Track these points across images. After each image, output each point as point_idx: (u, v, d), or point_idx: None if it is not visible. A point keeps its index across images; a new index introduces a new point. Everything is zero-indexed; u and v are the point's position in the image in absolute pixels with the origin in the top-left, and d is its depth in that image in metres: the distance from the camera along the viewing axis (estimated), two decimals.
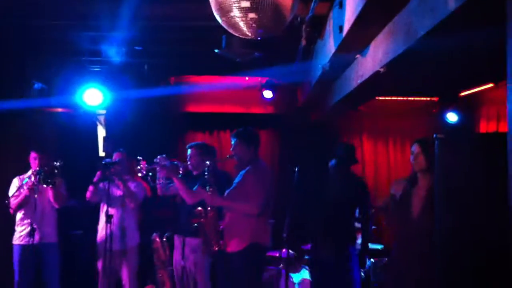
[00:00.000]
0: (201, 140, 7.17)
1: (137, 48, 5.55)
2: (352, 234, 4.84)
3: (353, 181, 4.88)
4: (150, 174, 5.03)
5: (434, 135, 3.25)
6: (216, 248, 4.42)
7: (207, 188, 4.42)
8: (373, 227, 6.15)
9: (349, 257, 4.66)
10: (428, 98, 7.19)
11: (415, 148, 3.95)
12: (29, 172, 5.24)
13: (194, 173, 5.13)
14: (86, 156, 6.61)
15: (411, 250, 3.82)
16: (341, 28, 3.53)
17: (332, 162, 4.86)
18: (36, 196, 5.07)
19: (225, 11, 3.08)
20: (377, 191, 7.43)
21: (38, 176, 5.03)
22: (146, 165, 4.94)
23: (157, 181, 5.07)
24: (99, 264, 5.34)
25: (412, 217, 3.85)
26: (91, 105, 5.99)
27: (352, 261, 4.67)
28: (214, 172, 4.50)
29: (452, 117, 7.03)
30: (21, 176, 5.31)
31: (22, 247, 5.16)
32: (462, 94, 6.75)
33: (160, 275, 4.62)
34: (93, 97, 5.89)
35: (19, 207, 5.19)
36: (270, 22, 3.09)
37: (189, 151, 5.16)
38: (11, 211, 5.18)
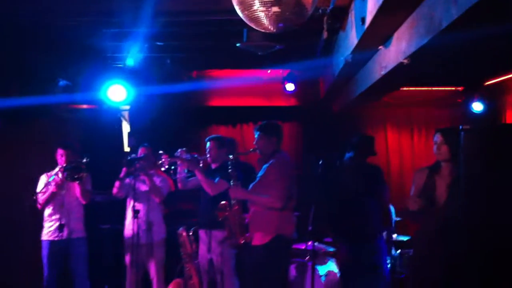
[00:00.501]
0: (224, 133, 7.21)
1: (159, 43, 5.58)
2: (376, 226, 4.67)
3: (368, 171, 4.74)
4: (173, 167, 5.08)
5: (460, 126, 3.23)
6: (242, 241, 4.46)
7: (231, 182, 4.46)
8: (397, 219, 6.12)
9: (375, 249, 4.55)
10: (453, 88, 7.10)
11: (437, 138, 3.95)
12: (56, 169, 5.33)
13: (213, 166, 5.18)
14: (112, 152, 6.69)
15: (438, 238, 3.81)
16: (363, 20, 3.51)
17: (349, 154, 4.76)
18: (63, 192, 5.17)
19: (247, 5, 3.08)
20: (402, 180, 7.39)
21: (65, 173, 5.11)
22: (168, 159, 5.00)
23: (178, 175, 5.12)
24: (127, 258, 5.43)
25: (438, 206, 3.84)
26: (115, 101, 6.04)
27: (379, 253, 4.58)
28: (237, 166, 4.53)
29: (477, 106, 6.94)
30: (48, 173, 5.41)
31: (51, 242, 5.26)
32: (488, 83, 6.65)
33: (187, 268, 4.67)
34: (117, 93, 5.94)
35: (46, 203, 5.29)
36: (292, 15, 3.09)
37: (208, 144, 5.21)
38: (39, 206, 5.28)
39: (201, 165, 5.06)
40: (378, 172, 4.69)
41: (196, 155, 5.11)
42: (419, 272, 4.04)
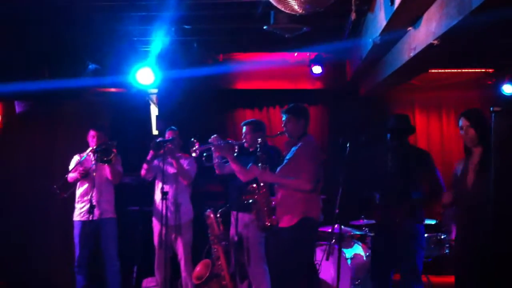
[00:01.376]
0: (251, 116, 7.23)
1: (186, 26, 5.60)
2: (417, 210, 4.54)
3: (415, 152, 4.67)
4: (205, 154, 5.10)
5: (491, 108, 3.18)
6: (268, 224, 4.48)
7: (259, 165, 4.48)
8: None
9: (414, 232, 4.48)
10: (483, 70, 6.97)
11: (463, 122, 3.86)
12: (88, 150, 5.44)
13: (251, 149, 5.18)
14: (140, 135, 6.78)
15: (469, 222, 3.78)
16: (392, 1, 3.47)
17: (387, 136, 4.67)
18: (94, 173, 5.27)
19: None
20: None
21: (95, 154, 5.21)
22: (200, 146, 5.02)
23: (213, 161, 5.14)
24: (155, 239, 5.52)
25: (467, 190, 3.80)
26: (143, 85, 6.10)
27: (416, 241, 4.48)
28: (265, 149, 4.55)
29: (508, 88, 6.81)
30: (81, 154, 5.53)
31: (83, 223, 5.37)
32: None
33: (215, 249, 4.73)
34: (145, 76, 5.99)
35: (76, 182, 5.43)
36: None
37: (244, 129, 5.20)
38: (69, 180, 5.41)
39: (236, 150, 5.06)
40: (423, 155, 4.62)
41: (230, 141, 5.11)
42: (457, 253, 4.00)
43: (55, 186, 5.31)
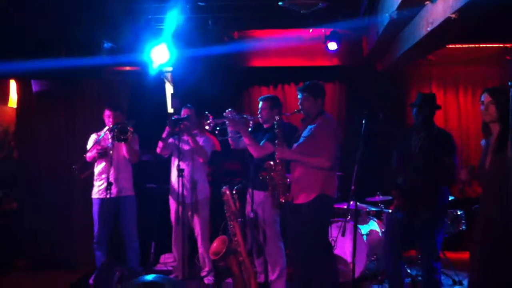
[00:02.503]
0: (266, 94, 7.21)
1: (200, 3, 5.57)
2: (436, 195, 4.46)
3: (440, 134, 4.58)
4: (218, 128, 5.11)
5: (510, 83, 3.13)
6: (283, 201, 4.50)
7: (276, 142, 4.48)
8: None
9: (433, 220, 4.42)
10: (501, 45, 6.84)
11: (485, 97, 3.79)
12: (105, 129, 5.49)
13: (265, 126, 5.17)
14: (156, 113, 6.80)
15: (486, 201, 3.76)
16: None
17: (414, 111, 4.57)
18: (111, 152, 5.32)
19: None
20: None
21: (112, 133, 5.25)
22: (214, 120, 5.02)
23: (229, 135, 5.15)
24: (172, 216, 5.58)
25: (485, 168, 3.77)
26: (159, 63, 6.11)
27: (437, 224, 4.43)
28: (282, 126, 4.54)
29: None
30: (98, 133, 5.57)
31: (101, 200, 5.44)
32: None
33: (231, 226, 4.76)
34: (160, 54, 6.00)
35: (94, 160, 5.48)
36: None
37: (260, 104, 5.17)
38: (88, 159, 5.47)
39: (250, 125, 5.06)
40: (448, 138, 4.55)
41: (246, 115, 5.10)
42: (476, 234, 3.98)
43: (74, 167, 5.39)
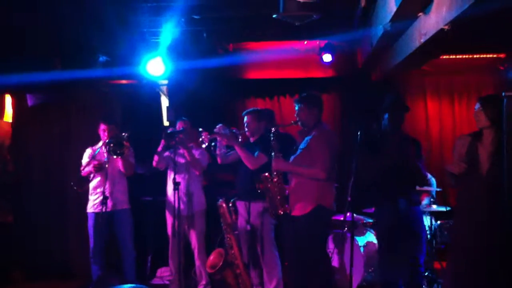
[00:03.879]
0: (262, 106, 7.23)
1: (195, 17, 5.60)
2: (414, 193, 4.55)
3: (409, 139, 4.60)
4: (213, 144, 5.12)
5: (503, 93, 3.16)
6: (281, 212, 4.50)
7: (272, 154, 4.48)
8: (438, 189, 6.05)
9: (413, 218, 4.44)
10: (495, 55, 6.89)
11: (477, 105, 3.90)
12: (100, 143, 5.48)
13: (251, 139, 5.19)
14: (151, 125, 6.80)
15: (480, 206, 3.77)
16: None
17: (385, 116, 4.56)
18: (107, 166, 5.31)
19: None
20: (442, 150, 7.28)
21: (107, 147, 5.24)
22: (208, 136, 5.03)
23: (217, 150, 5.16)
24: (169, 229, 5.56)
25: (481, 173, 3.79)
26: (154, 76, 6.11)
27: (416, 222, 4.47)
28: (278, 137, 4.55)
29: None
30: (93, 147, 5.56)
31: (96, 214, 5.42)
32: None
33: (228, 238, 4.76)
34: (155, 67, 6.00)
35: (90, 175, 5.46)
36: None
37: (245, 118, 5.20)
38: (83, 174, 5.46)
39: (240, 139, 5.08)
40: (416, 142, 4.58)
41: (234, 130, 5.13)
42: (461, 239, 3.99)
43: (72, 183, 5.38)
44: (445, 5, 3.41)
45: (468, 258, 3.83)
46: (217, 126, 4.99)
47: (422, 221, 4.61)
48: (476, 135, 3.93)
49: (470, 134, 4.01)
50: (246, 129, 5.16)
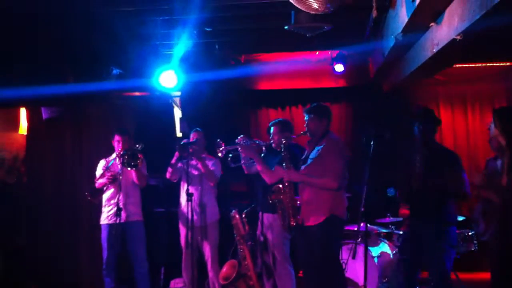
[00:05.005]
0: (274, 116, 7.24)
1: (207, 29, 5.64)
2: (441, 209, 4.42)
3: (444, 152, 4.57)
4: (230, 155, 5.10)
5: None
6: (294, 224, 4.50)
7: (283, 165, 4.49)
8: None
9: (444, 235, 4.37)
10: (508, 63, 6.86)
11: (492, 118, 3.87)
12: (114, 155, 5.51)
13: (278, 149, 5.17)
14: (164, 137, 6.84)
15: (500, 218, 3.76)
16: None
17: (415, 129, 4.52)
18: (120, 177, 5.34)
19: None
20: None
21: (121, 159, 5.27)
22: (226, 147, 5.03)
23: (241, 161, 5.16)
24: (182, 240, 5.57)
25: (501, 186, 3.78)
26: (167, 88, 6.16)
27: (446, 241, 4.37)
28: (290, 149, 4.56)
29: None
30: (107, 159, 5.60)
31: (110, 226, 5.44)
32: None
33: (241, 249, 4.76)
34: (168, 79, 6.05)
35: (103, 187, 5.49)
36: None
37: (271, 129, 5.19)
38: (97, 186, 5.48)
39: (264, 150, 5.07)
40: (452, 156, 4.52)
41: (258, 141, 5.11)
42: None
43: (86, 193, 5.42)
44: (457, 16, 3.40)
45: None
46: (239, 137, 4.96)
47: (453, 236, 4.47)
48: (499, 149, 3.92)
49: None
50: (271, 140, 5.13)
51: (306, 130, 4.61)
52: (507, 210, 3.66)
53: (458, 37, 3.44)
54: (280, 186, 4.54)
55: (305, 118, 4.59)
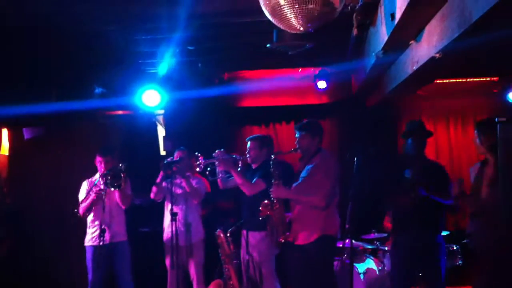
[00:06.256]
0: (258, 133, 7.25)
1: (190, 47, 5.65)
2: (437, 221, 4.55)
3: (433, 164, 4.68)
4: (208, 168, 5.13)
5: (496, 119, 3.19)
6: (282, 240, 4.48)
7: (272, 181, 4.49)
8: None
9: (436, 247, 4.46)
10: (488, 78, 6.96)
11: (475, 131, 3.96)
12: (97, 175, 5.46)
13: (253, 166, 5.19)
14: (148, 156, 6.82)
15: (484, 228, 3.80)
16: (392, 16, 3.48)
17: (409, 141, 4.61)
18: (104, 198, 5.28)
19: (274, 6, 3.11)
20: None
21: (104, 179, 5.22)
22: (204, 160, 5.05)
23: (217, 175, 5.16)
24: (167, 260, 5.52)
25: (482, 196, 3.82)
26: (150, 106, 6.15)
27: (440, 251, 4.47)
28: (278, 165, 4.56)
29: None
30: (89, 179, 5.54)
31: (94, 247, 5.37)
32: None
33: (227, 269, 4.72)
34: (151, 98, 6.04)
35: (88, 210, 5.39)
36: (321, 13, 3.10)
37: (248, 144, 5.21)
38: (81, 212, 5.38)
39: (240, 165, 5.08)
40: (441, 168, 4.63)
41: (235, 156, 5.14)
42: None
43: (75, 210, 5.33)
44: (436, 34, 3.45)
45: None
46: (216, 151, 4.99)
47: (443, 248, 4.56)
48: (483, 162, 3.99)
49: (481, 161, 4.06)
50: (247, 155, 5.15)
51: (297, 147, 4.59)
52: (490, 224, 3.69)
53: (438, 55, 3.49)
54: (267, 202, 4.53)
55: (296, 135, 4.58)
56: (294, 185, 4.50)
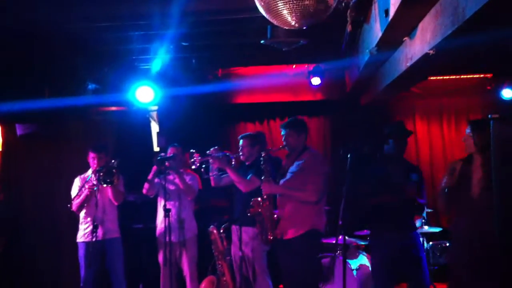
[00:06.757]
0: (252, 130, 7.26)
1: (184, 43, 5.64)
2: (411, 220, 4.64)
3: (410, 165, 4.74)
4: (204, 166, 5.14)
5: (489, 116, 3.19)
6: (271, 237, 4.50)
7: (263, 177, 4.51)
8: (429, 210, 6.07)
9: (414, 242, 4.50)
10: (481, 75, 6.98)
11: (467, 129, 3.95)
12: (89, 172, 5.44)
13: (247, 163, 5.21)
14: (142, 152, 6.80)
15: (473, 229, 3.80)
16: (386, 12, 3.48)
17: (390, 142, 4.65)
18: (96, 194, 5.26)
19: (269, 2, 3.11)
20: (432, 171, 7.30)
21: (97, 175, 5.20)
22: (200, 158, 5.06)
23: (211, 173, 5.17)
24: (160, 257, 5.52)
25: (472, 197, 3.82)
26: (143, 102, 6.13)
27: (418, 245, 4.53)
28: (269, 161, 4.58)
29: (507, 93, 6.82)
30: (81, 176, 5.52)
31: (87, 244, 5.36)
32: None
33: (220, 265, 4.72)
34: (144, 94, 6.02)
35: (80, 207, 5.38)
36: (315, 10, 3.10)
37: (240, 142, 5.24)
38: (74, 208, 5.37)
39: (233, 162, 5.11)
40: (418, 169, 4.71)
41: (228, 153, 5.16)
42: (458, 261, 4.01)
43: (68, 205, 5.31)
44: (429, 30, 3.45)
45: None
46: (211, 149, 5.02)
47: (421, 245, 4.64)
48: (467, 160, 3.98)
49: (462, 159, 4.06)
50: (240, 153, 5.18)
51: (284, 144, 4.63)
52: (482, 224, 3.70)
53: (431, 52, 3.50)
54: (259, 199, 4.54)
55: (282, 133, 4.61)
56: (282, 181, 4.52)
